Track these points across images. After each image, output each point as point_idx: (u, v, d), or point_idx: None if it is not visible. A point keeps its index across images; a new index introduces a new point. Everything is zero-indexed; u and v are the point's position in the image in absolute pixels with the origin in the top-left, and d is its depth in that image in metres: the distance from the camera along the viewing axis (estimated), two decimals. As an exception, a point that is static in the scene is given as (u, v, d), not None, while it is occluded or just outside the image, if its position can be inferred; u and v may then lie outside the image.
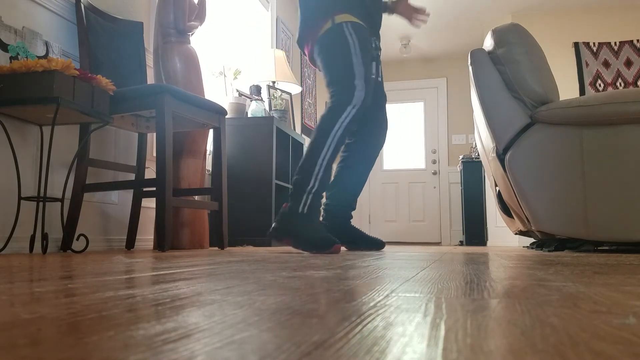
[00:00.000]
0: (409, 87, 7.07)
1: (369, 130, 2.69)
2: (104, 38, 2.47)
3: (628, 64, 5.30)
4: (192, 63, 2.78)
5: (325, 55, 2.39)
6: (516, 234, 3.29)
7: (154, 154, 2.94)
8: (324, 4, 2.41)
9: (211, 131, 3.04)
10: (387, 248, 3.65)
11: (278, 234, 2.24)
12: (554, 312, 0.49)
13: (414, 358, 0.30)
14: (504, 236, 5.19)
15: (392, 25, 5.97)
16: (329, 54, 2.39)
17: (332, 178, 2.58)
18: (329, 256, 1.84)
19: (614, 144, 2.43)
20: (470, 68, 2.85)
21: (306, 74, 5.76)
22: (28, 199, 1.88)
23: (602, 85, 5.31)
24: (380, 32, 5.42)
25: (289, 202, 2.27)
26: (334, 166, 2.54)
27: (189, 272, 0.97)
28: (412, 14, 2.71)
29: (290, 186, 4.00)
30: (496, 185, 3.16)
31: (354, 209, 2.73)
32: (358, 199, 7.35)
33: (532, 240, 4.72)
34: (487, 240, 5.63)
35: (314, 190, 2.24)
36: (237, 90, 3.85)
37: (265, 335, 0.36)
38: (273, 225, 2.28)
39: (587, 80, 5.34)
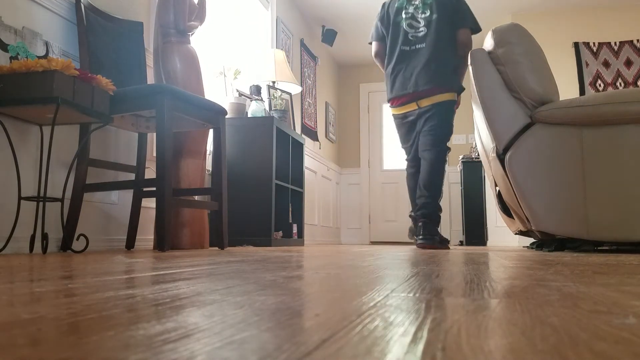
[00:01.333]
0: (409, 87, 7.07)
1: None
2: (104, 38, 2.47)
3: (628, 64, 5.30)
4: (192, 63, 2.78)
5: (447, 114, 3.45)
6: (516, 234, 3.29)
7: (154, 154, 2.94)
8: (456, 81, 3.51)
9: (211, 131, 3.04)
10: (387, 248, 3.65)
11: (432, 243, 3.32)
12: (554, 312, 0.49)
13: (414, 357, 0.30)
14: (504, 236, 5.20)
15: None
16: (450, 115, 3.48)
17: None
18: (329, 257, 1.84)
19: (614, 144, 2.43)
20: (470, 68, 2.85)
21: (306, 74, 5.76)
22: (28, 199, 1.88)
23: (602, 85, 5.31)
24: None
25: (427, 220, 3.32)
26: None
27: (189, 272, 0.97)
28: None
29: (293, 186, 4.00)
30: (496, 185, 3.16)
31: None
32: (359, 199, 7.41)
33: (532, 240, 4.72)
34: (487, 240, 5.63)
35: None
36: (237, 90, 3.85)
37: (265, 335, 0.36)
38: (424, 238, 3.33)
39: (587, 80, 5.34)
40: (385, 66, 3.64)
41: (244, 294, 0.61)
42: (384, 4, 3.69)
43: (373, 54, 3.75)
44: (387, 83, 3.58)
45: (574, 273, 1.01)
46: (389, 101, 3.61)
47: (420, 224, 3.36)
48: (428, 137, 3.42)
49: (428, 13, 3.45)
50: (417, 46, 3.45)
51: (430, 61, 3.37)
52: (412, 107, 3.46)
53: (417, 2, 3.52)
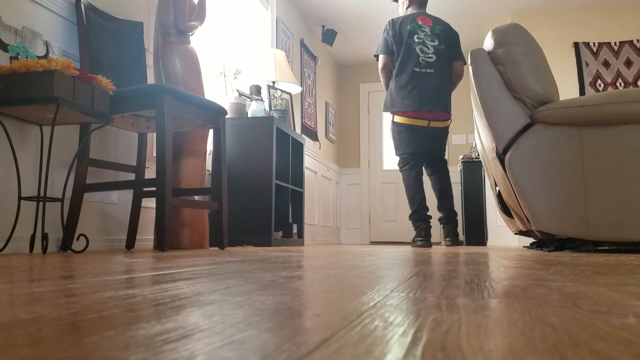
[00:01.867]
0: (409, 87, 7.06)
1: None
2: (104, 38, 2.47)
3: (628, 64, 5.30)
4: (192, 63, 2.78)
5: (447, 136, 4.02)
6: (516, 234, 3.29)
7: (154, 154, 2.94)
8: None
9: (211, 131, 3.04)
10: (387, 248, 3.65)
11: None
12: (554, 312, 0.49)
13: (413, 357, 0.30)
14: (504, 236, 5.19)
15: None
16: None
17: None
18: (329, 257, 1.84)
19: (614, 144, 2.43)
20: (470, 68, 2.85)
21: (306, 74, 5.76)
22: (28, 199, 1.88)
23: (602, 85, 5.31)
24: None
25: (452, 221, 3.95)
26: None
27: (189, 272, 0.97)
28: None
29: (293, 186, 4.00)
30: (496, 185, 3.16)
31: None
32: (359, 199, 7.47)
33: (532, 240, 4.72)
34: (487, 240, 5.63)
35: None
36: (237, 90, 3.85)
37: (265, 335, 0.36)
38: (454, 239, 3.92)
39: (587, 80, 5.34)
40: (392, 80, 3.91)
41: (244, 294, 0.61)
42: (393, 22, 3.93)
43: (382, 65, 3.96)
44: (398, 95, 3.84)
45: (574, 273, 1.01)
46: (398, 112, 3.87)
47: (450, 227, 3.95)
48: (440, 155, 4.00)
49: (437, 42, 3.85)
50: (426, 70, 3.82)
51: (439, 88, 3.80)
52: (423, 123, 3.83)
53: (426, 30, 3.87)
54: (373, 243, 6.88)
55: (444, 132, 3.94)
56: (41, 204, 2.03)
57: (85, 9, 2.38)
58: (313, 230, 5.77)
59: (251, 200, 3.53)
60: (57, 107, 1.78)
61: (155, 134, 2.76)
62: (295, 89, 4.45)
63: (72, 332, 0.37)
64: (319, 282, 0.78)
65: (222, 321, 0.42)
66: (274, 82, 4.20)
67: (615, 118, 2.42)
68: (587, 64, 5.37)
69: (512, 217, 3.11)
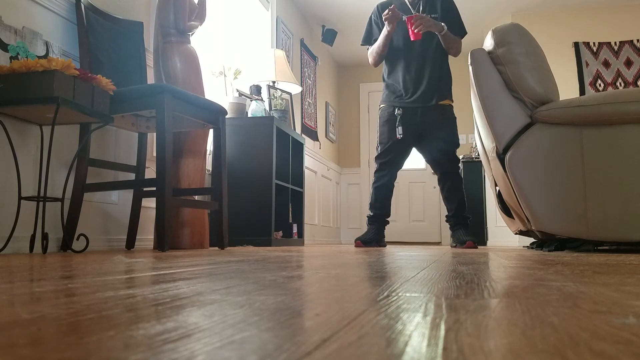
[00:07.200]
0: (409, 87, 7.06)
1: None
2: (104, 38, 2.47)
3: (628, 64, 5.30)
4: (192, 63, 2.78)
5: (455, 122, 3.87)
6: (516, 234, 3.29)
7: (154, 154, 2.93)
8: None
9: (211, 131, 3.04)
10: (387, 248, 3.65)
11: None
12: (554, 312, 0.49)
13: (414, 357, 0.30)
14: (504, 236, 5.19)
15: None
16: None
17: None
18: (329, 257, 1.85)
19: (614, 144, 2.43)
20: (470, 68, 2.85)
21: (306, 74, 5.76)
22: (28, 198, 1.88)
23: (602, 85, 5.31)
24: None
25: (464, 223, 3.70)
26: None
27: (189, 272, 0.97)
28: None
29: (293, 186, 4.00)
30: (496, 185, 3.16)
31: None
32: (359, 199, 7.46)
33: (532, 240, 4.72)
34: (487, 240, 5.63)
35: None
36: (237, 90, 3.85)
37: (265, 335, 0.36)
38: (468, 239, 3.65)
39: (587, 80, 5.34)
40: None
41: (244, 294, 0.61)
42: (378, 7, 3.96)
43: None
44: None
45: (574, 273, 1.01)
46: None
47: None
48: None
49: None
50: None
51: None
52: None
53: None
54: (373, 243, 6.87)
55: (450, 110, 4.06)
56: (41, 203, 2.03)
57: (85, 9, 2.38)
58: (313, 230, 5.77)
59: (251, 200, 3.53)
60: (57, 107, 1.78)
61: (155, 133, 2.75)
62: (295, 89, 4.45)
63: (72, 332, 0.37)
64: (319, 282, 0.78)
65: (222, 321, 0.42)
66: (274, 82, 4.20)
67: (615, 118, 2.42)
68: (587, 64, 5.37)
69: (512, 217, 3.11)
